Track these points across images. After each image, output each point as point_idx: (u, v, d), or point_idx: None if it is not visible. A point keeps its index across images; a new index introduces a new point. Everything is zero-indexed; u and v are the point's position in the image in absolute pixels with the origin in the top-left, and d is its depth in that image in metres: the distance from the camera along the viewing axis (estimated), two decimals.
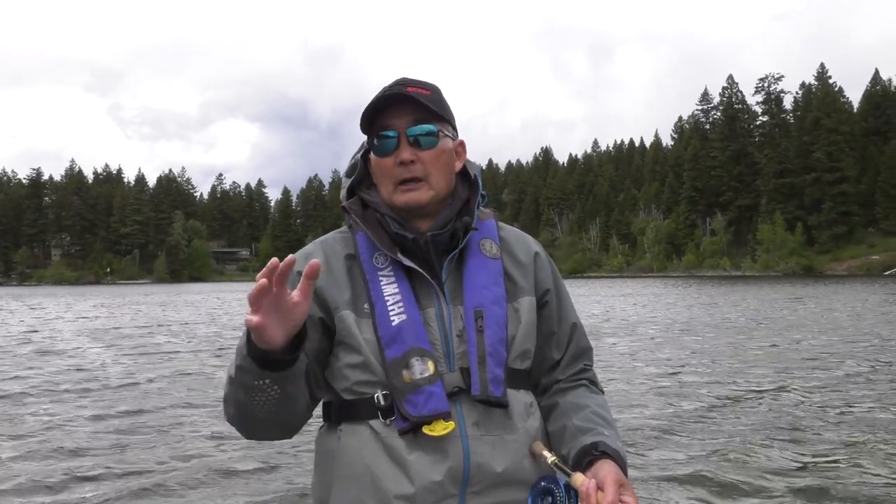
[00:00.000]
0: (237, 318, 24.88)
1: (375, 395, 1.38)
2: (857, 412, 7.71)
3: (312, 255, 1.48)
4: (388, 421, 1.37)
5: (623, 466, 1.33)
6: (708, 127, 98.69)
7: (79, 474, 5.80)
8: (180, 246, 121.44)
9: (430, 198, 1.46)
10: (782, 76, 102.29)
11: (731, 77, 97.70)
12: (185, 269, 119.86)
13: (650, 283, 59.90)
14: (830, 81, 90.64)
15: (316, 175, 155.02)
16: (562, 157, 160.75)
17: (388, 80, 1.50)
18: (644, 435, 6.82)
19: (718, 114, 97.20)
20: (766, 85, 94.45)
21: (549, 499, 1.32)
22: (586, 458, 1.34)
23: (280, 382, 1.27)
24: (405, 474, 1.34)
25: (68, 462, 6.20)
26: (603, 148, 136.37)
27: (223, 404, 1.38)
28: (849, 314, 20.99)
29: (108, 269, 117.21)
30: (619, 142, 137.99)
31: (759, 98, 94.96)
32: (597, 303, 30.60)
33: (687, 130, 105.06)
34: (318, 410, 1.50)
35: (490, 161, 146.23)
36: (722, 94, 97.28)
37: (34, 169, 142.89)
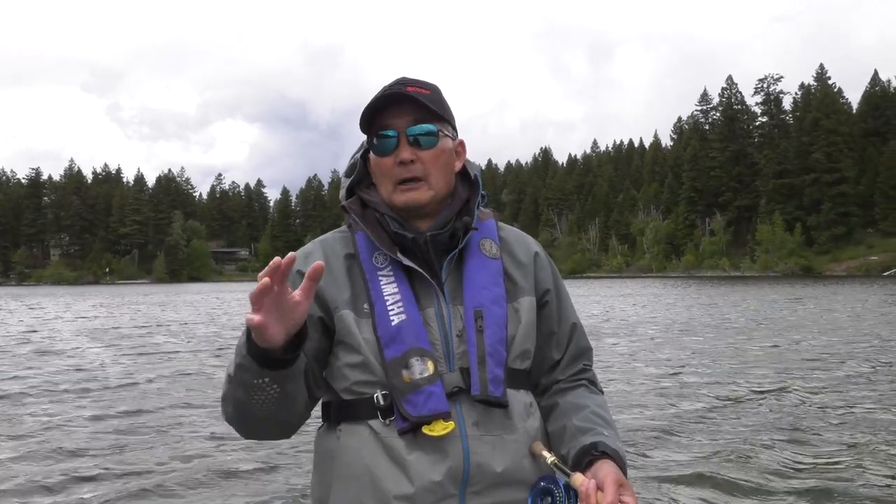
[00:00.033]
0: (236, 318, 24.87)
1: (375, 395, 1.38)
2: (857, 413, 7.70)
3: (312, 254, 1.48)
4: (387, 421, 1.36)
5: (623, 467, 1.33)
6: (707, 127, 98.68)
7: (78, 475, 5.79)
8: (179, 246, 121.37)
9: (429, 197, 1.46)
10: (782, 77, 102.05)
11: (730, 78, 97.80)
12: (184, 269, 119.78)
13: (649, 284, 59.90)
14: (830, 82, 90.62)
15: (315, 175, 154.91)
16: (561, 157, 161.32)
17: (388, 80, 1.50)
18: (644, 435, 6.82)
19: (718, 114, 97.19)
20: (765, 86, 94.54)
21: (549, 499, 1.32)
22: (586, 459, 1.34)
23: (279, 381, 1.27)
24: (405, 474, 1.34)
25: (68, 462, 6.19)
26: (602, 148, 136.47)
27: (222, 403, 1.38)
28: (848, 315, 20.98)
29: (107, 269, 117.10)
30: (618, 142, 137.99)
31: (759, 99, 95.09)
32: (596, 303, 30.59)
33: (686, 131, 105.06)
34: (318, 410, 1.50)
35: (489, 161, 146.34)
36: (721, 95, 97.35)
37: (33, 169, 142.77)
